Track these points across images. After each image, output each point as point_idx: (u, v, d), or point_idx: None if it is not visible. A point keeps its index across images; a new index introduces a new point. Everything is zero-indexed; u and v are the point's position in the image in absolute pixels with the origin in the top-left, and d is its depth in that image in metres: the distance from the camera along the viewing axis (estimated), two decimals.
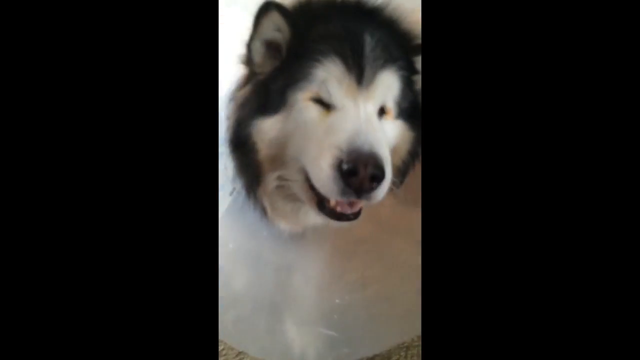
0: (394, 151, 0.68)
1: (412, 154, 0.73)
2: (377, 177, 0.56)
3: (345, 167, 0.55)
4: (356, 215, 0.65)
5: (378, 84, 0.64)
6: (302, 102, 0.63)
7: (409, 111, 0.70)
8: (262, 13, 0.64)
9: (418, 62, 0.71)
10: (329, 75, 0.62)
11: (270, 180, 0.70)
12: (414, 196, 0.79)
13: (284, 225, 0.77)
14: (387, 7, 0.71)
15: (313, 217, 0.73)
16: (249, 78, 0.70)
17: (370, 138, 0.57)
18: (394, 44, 0.68)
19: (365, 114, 0.62)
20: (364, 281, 0.79)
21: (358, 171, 0.55)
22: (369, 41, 0.64)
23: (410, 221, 0.81)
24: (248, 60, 0.69)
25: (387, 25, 0.70)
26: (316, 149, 0.60)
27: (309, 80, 0.63)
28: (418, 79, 0.71)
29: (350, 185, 0.56)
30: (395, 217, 0.79)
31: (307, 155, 0.62)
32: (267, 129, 0.65)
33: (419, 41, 0.70)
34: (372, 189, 0.57)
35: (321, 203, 0.65)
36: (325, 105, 0.63)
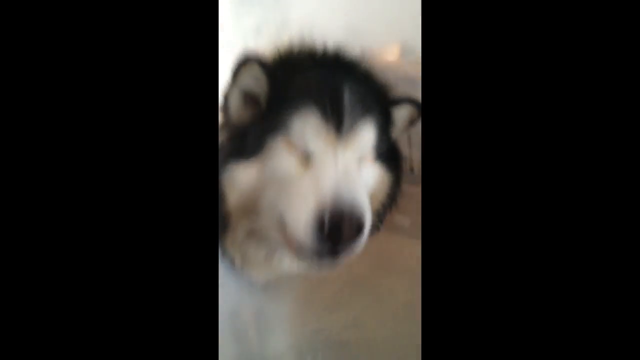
0: (373, 195, 0.68)
1: (390, 197, 0.74)
2: (358, 233, 0.55)
3: (327, 228, 0.54)
4: (340, 260, 0.60)
5: (357, 134, 0.64)
6: (280, 150, 0.62)
7: (386, 155, 0.71)
8: (241, 66, 0.63)
9: (392, 113, 0.73)
10: (307, 125, 0.61)
11: (241, 231, 0.67)
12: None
13: (255, 275, 0.73)
14: (363, 61, 0.73)
15: (289, 263, 0.71)
16: (224, 126, 0.69)
17: (351, 194, 0.56)
18: (371, 96, 0.70)
19: (344, 164, 0.61)
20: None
21: (341, 227, 0.54)
22: (347, 93, 0.64)
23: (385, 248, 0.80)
24: (224, 109, 0.68)
25: (363, 78, 0.72)
26: (296, 206, 0.58)
27: (287, 129, 0.61)
28: (393, 128, 0.74)
29: (329, 241, 0.55)
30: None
31: (285, 209, 0.60)
32: (240, 175, 0.63)
33: (393, 94, 0.73)
34: (353, 242, 0.56)
35: (301, 249, 0.60)
36: (304, 154, 0.61)
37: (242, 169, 0.63)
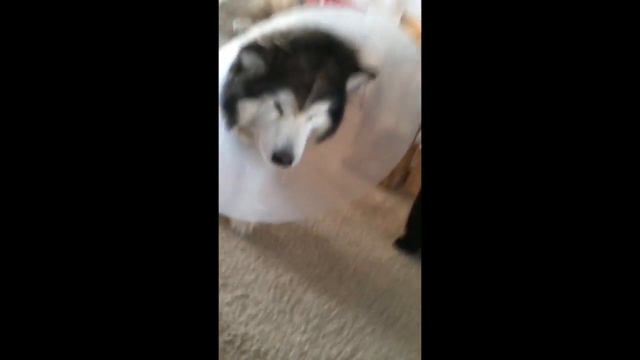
0: (318, 129, 1.13)
1: (329, 131, 1.16)
2: (289, 163, 1.03)
3: (275, 157, 1.02)
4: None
5: (313, 109, 1.03)
6: (269, 101, 1.01)
7: (333, 111, 1.10)
8: (241, 53, 0.97)
9: (358, 79, 1.09)
10: (287, 98, 1.00)
11: (243, 128, 1.11)
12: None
13: (244, 140, 1.17)
14: (348, 44, 1.05)
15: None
16: (238, 68, 1.02)
17: (292, 145, 1.02)
18: (341, 77, 1.05)
19: (297, 124, 1.03)
20: None
21: (282, 160, 1.02)
22: (318, 84, 1.00)
23: None
24: (239, 64, 1.02)
25: (346, 56, 1.05)
26: (266, 138, 1.04)
27: (276, 95, 1.00)
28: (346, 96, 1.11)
29: (275, 162, 1.03)
30: None
31: (260, 136, 1.06)
32: (247, 106, 1.04)
33: (363, 65, 1.07)
34: (286, 166, 1.04)
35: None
36: (280, 110, 1.02)
37: (249, 103, 1.02)
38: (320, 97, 1.02)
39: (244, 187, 1.21)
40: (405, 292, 1.39)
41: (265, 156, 1.04)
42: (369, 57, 1.08)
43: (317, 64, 1.00)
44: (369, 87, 1.20)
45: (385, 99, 1.22)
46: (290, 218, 1.37)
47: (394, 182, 2.21)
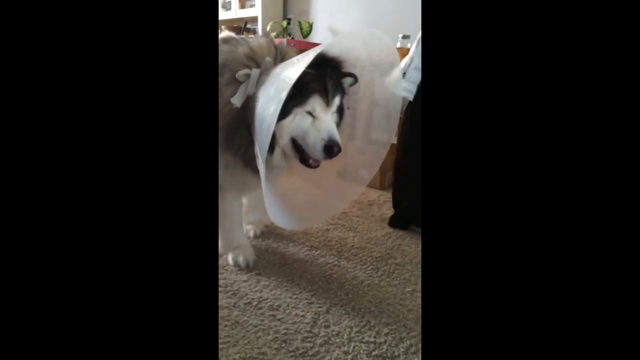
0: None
1: (337, 123, 1.40)
2: (339, 150, 1.25)
3: (327, 148, 1.20)
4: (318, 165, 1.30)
5: (334, 103, 1.31)
6: (302, 113, 1.28)
7: (339, 108, 1.38)
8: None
9: (347, 80, 1.38)
10: (315, 103, 1.27)
11: (278, 148, 1.35)
12: None
13: (276, 163, 1.41)
14: (336, 59, 1.35)
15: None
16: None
17: (335, 133, 1.22)
18: (338, 79, 1.35)
19: (330, 119, 1.30)
20: None
21: (333, 149, 1.21)
22: (330, 83, 1.29)
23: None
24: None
25: (335, 66, 1.35)
26: (312, 139, 1.27)
27: (307, 104, 1.27)
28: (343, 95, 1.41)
29: (329, 155, 1.22)
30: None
31: (305, 141, 1.29)
32: (282, 124, 1.28)
33: (348, 71, 1.37)
34: (337, 154, 1.25)
35: (303, 161, 1.32)
36: (313, 116, 1.29)
37: (284, 121, 1.26)
38: (334, 93, 1.32)
39: (290, 205, 1.51)
40: (399, 256, 1.61)
41: (317, 153, 1.23)
42: (354, 64, 1.41)
43: (322, 73, 1.30)
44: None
45: (359, 113, 1.57)
46: (317, 222, 1.80)
47: (386, 182, 2.46)
